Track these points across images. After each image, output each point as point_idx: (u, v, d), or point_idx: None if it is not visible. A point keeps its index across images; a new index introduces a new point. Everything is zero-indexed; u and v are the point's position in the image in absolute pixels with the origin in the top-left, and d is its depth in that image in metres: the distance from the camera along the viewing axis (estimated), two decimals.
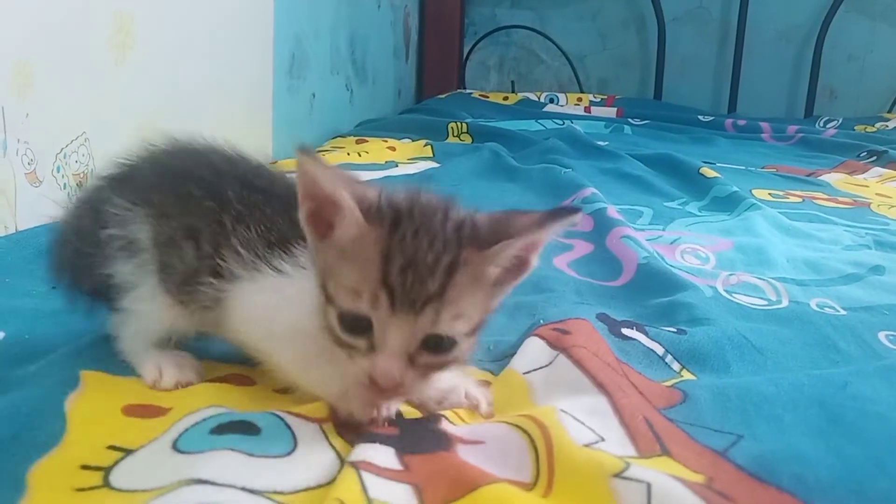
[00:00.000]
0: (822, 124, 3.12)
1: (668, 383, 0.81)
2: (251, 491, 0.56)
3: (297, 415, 0.66)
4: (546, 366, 0.81)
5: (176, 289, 0.74)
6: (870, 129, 2.97)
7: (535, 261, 0.65)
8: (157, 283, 0.75)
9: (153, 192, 0.76)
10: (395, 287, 0.59)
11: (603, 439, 0.66)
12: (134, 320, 0.77)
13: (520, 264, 0.64)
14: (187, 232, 0.73)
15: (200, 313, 0.74)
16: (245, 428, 0.64)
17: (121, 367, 0.78)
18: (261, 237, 0.72)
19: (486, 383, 0.80)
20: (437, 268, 0.59)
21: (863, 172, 2.24)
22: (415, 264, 0.59)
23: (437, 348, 0.61)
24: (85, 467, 0.59)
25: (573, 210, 0.62)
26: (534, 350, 0.84)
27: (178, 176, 0.77)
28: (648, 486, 0.56)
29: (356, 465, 0.58)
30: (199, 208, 0.74)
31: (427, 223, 0.61)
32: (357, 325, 0.61)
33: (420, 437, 0.64)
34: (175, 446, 0.61)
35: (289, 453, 0.61)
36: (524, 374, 0.80)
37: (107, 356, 0.79)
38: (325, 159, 0.63)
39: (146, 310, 0.75)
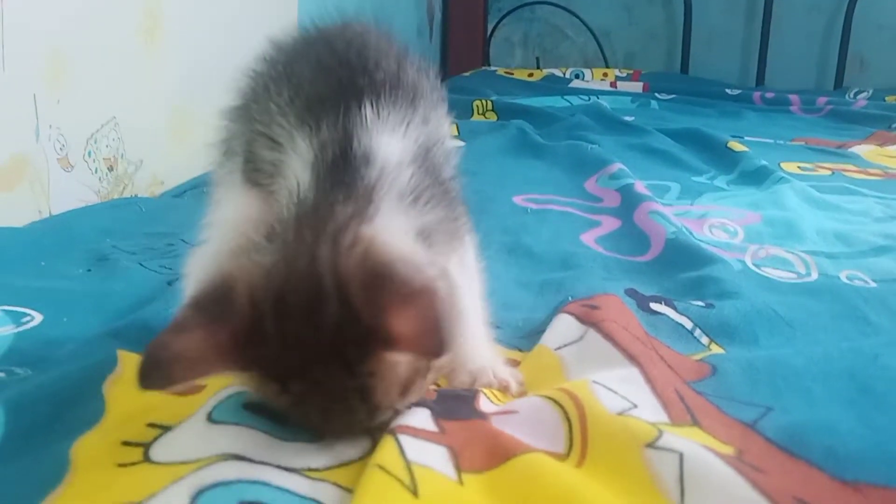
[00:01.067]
0: (852, 95, 3.07)
1: (697, 357, 0.81)
2: (286, 469, 0.57)
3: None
4: (577, 341, 0.82)
5: None
6: None
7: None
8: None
9: None
10: (319, 427, 0.60)
11: (636, 406, 0.66)
12: None
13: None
14: None
15: None
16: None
17: None
18: None
19: (516, 363, 0.80)
20: (355, 407, 0.57)
21: (894, 143, 2.21)
22: (331, 418, 0.58)
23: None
24: (126, 444, 0.60)
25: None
26: (564, 326, 0.85)
27: None
28: (681, 455, 0.56)
29: (393, 431, 0.58)
30: None
31: (309, 370, 0.55)
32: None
33: (456, 405, 0.65)
34: (210, 418, 0.63)
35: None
36: (555, 349, 0.81)
37: (144, 338, 0.80)
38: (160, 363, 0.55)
39: None
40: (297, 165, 0.65)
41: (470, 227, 0.77)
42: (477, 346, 0.73)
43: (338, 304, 0.53)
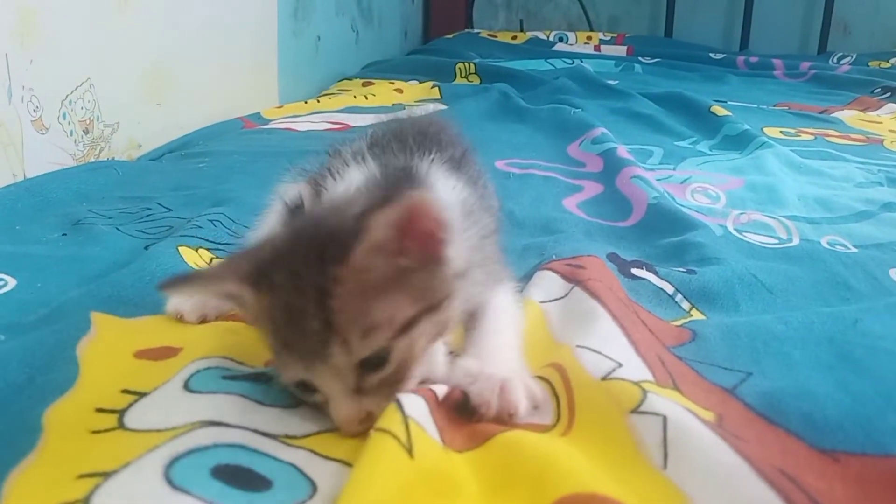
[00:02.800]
0: (835, 60, 3.07)
1: (678, 322, 0.81)
2: (264, 434, 0.57)
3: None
4: (562, 297, 0.82)
5: None
6: (884, 64, 2.92)
7: (439, 232, 0.58)
8: None
9: None
10: (292, 345, 0.57)
11: (621, 365, 0.66)
12: None
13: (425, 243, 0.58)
14: None
15: None
16: (254, 377, 0.64)
17: (131, 310, 0.78)
18: None
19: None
20: (307, 306, 0.55)
21: (876, 109, 2.22)
22: (291, 314, 0.56)
23: (377, 365, 0.57)
24: (99, 410, 0.59)
25: (391, 199, 0.54)
26: (549, 282, 0.85)
27: None
28: (664, 419, 0.56)
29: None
30: None
31: (290, 263, 0.56)
32: (304, 386, 0.59)
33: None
34: (187, 386, 0.62)
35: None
36: (539, 302, 0.80)
37: (118, 300, 0.80)
38: (189, 275, 0.61)
39: None
40: (357, 176, 0.73)
41: (511, 275, 0.77)
42: (505, 359, 0.67)
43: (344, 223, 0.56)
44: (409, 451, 0.52)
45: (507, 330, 0.70)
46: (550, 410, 0.63)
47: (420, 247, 0.58)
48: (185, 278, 0.63)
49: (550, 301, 0.82)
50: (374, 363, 0.57)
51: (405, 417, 0.55)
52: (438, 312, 0.59)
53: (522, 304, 0.77)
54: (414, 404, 0.57)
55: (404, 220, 0.55)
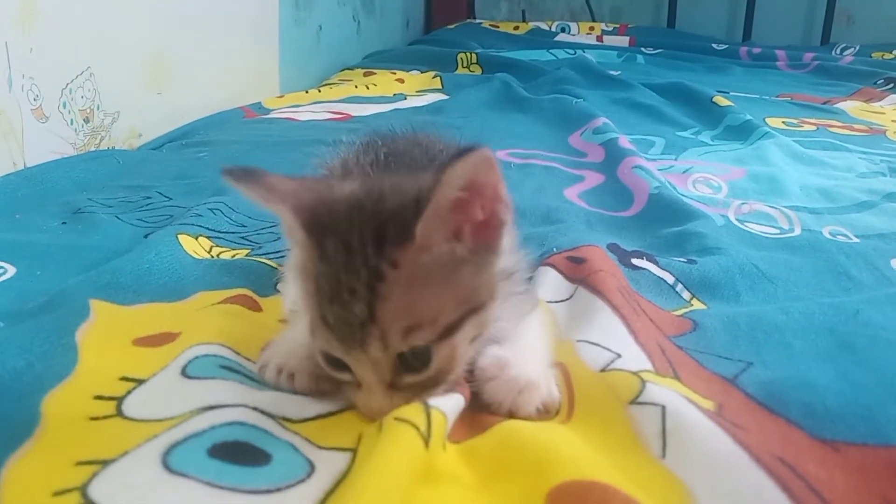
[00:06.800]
0: (838, 51, 3.06)
1: (679, 312, 0.81)
2: (262, 412, 0.57)
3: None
4: (567, 299, 0.82)
5: None
6: (887, 55, 2.91)
7: (499, 209, 0.57)
8: None
9: None
10: (332, 322, 0.54)
11: (620, 356, 0.66)
12: None
13: (486, 220, 0.57)
14: None
15: None
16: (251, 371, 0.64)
17: (130, 297, 0.78)
18: None
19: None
20: (357, 286, 0.53)
21: (879, 100, 2.21)
22: (338, 292, 0.53)
23: (415, 367, 0.55)
24: (98, 397, 0.59)
25: (469, 149, 0.51)
26: (554, 282, 0.85)
27: None
28: (663, 409, 0.56)
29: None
30: None
31: (345, 232, 0.54)
32: (337, 362, 0.57)
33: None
34: (184, 373, 0.62)
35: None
36: (548, 302, 0.81)
37: (117, 288, 0.80)
38: (254, 171, 0.57)
39: None
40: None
41: (539, 304, 0.74)
42: (534, 360, 0.65)
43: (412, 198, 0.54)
44: (426, 441, 0.52)
45: (540, 337, 0.68)
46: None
47: (480, 223, 0.56)
48: (251, 175, 0.57)
49: (557, 302, 0.81)
50: (413, 365, 0.55)
51: (428, 409, 0.54)
52: (480, 314, 0.57)
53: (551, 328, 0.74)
54: (449, 400, 0.57)
55: (477, 173, 0.53)
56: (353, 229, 0.54)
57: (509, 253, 0.62)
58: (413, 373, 0.55)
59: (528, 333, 0.66)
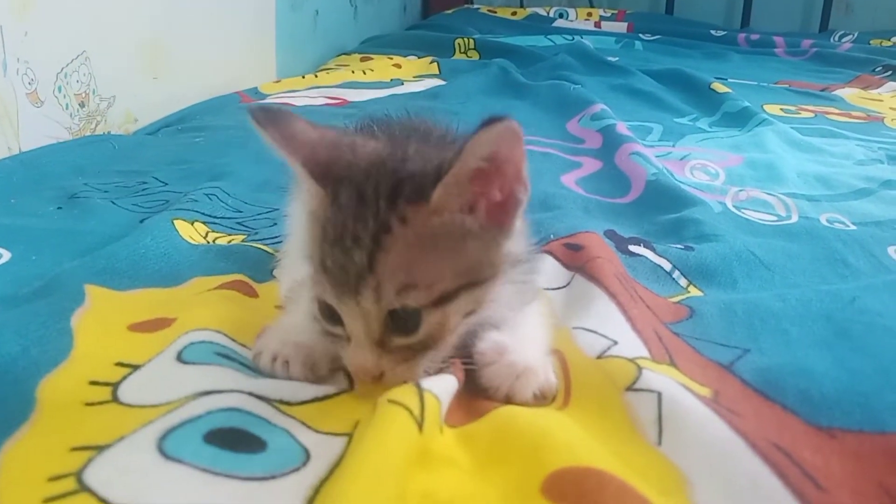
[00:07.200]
0: (837, 38, 3.05)
1: (676, 299, 0.81)
2: (258, 396, 0.57)
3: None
4: (564, 286, 0.82)
5: None
6: (885, 43, 2.90)
7: (518, 189, 0.57)
8: None
9: None
10: (331, 266, 0.55)
11: (616, 343, 0.66)
12: None
13: (502, 199, 0.57)
14: None
15: None
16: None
17: (126, 283, 0.78)
18: None
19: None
20: (362, 234, 0.53)
21: (877, 87, 2.21)
22: (343, 237, 0.54)
23: (405, 329, 0.56)
24: (93, 383, 0.59)
25: (497, 119, 0.52)
26: (551, 270, 0.84)
27: None
28: (659, 395, 0.57)
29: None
30: None
31: (361, 183, 0.55)
32: (331, 313, 0.57)
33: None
34: (180, 358, 0.62)
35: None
36: (545, 289, 0.80)
37: (112, 273, 0.79)
38: (279, 115, 0.59)
39: None
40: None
41: (540, 294, 0.73)
42: (533, 347, 0.65)
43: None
44: (420, 424, 0.52)
45: (540, 325, 0.68)
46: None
47: (496, 203, 0.57)
48: (273, 120, 0.59)
49: (554, 289, 0.81)
50: (403, 326, 0.56)
51: (421, 391, 0.54)
52: (478, 290, 0.57)
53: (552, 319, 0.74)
54: (442, 382, 0.57)
55: (501, 144, 0.53)
56: (370, 181, 0.55)
57: (518, 236, 0.62)
58: (402, 335, 0.56)
59: (528, 321, 0.66)
